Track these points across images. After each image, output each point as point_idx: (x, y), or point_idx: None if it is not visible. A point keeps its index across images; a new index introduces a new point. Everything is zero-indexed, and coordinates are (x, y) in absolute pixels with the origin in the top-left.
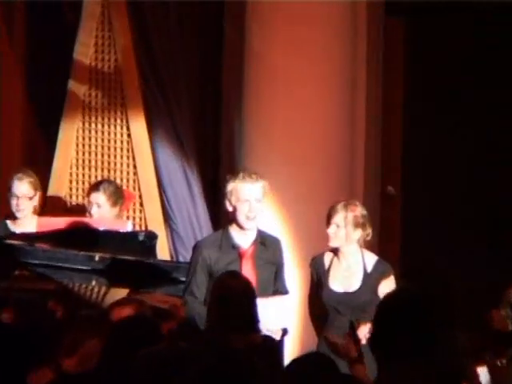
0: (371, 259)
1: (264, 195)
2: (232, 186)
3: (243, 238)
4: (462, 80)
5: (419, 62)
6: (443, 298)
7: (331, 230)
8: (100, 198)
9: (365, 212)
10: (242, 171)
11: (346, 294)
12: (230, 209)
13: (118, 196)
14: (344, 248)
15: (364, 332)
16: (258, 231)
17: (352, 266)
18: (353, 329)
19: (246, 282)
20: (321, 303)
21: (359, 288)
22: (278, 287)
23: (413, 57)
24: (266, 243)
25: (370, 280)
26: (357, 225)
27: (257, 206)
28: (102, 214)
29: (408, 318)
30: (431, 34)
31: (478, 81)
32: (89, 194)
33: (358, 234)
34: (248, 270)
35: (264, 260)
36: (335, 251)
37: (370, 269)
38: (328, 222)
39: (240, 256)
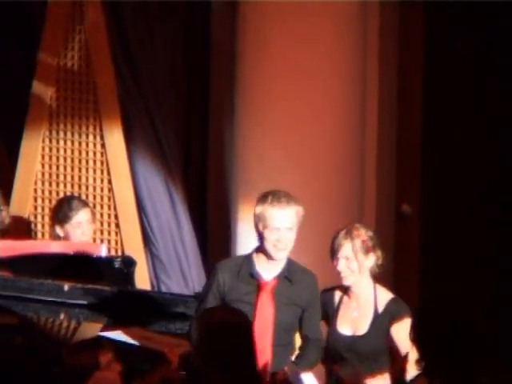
0: (384, 297)
1: (298, 222)
2: (260, 209)
3: (267, 268)
4: (489, 75)
5: (440, 54)
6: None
7: (341, 266)
8: (89, 214)
9: (370, 233)
10: (271, 193)
11: (353, 337)
12: (257, 234)
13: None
14: (357, 285)
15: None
16: (288, 263)
17: (362, 306)
18: None
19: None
20: (327, 348)
21: (368, 332)
22: (306, 332)
23: (432, 47)
24: (293, 279)
25: (381, 322)
26: (367, 250)
27: (288, 235)
28: (87, 234)
29: None
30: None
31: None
32: (70, 217)
33: (371, 260)
34: (265, 306)
35: (287, 298)
36: (346, 288)
37: (381, 309)
38: (334, 258)
39: (259, 288)
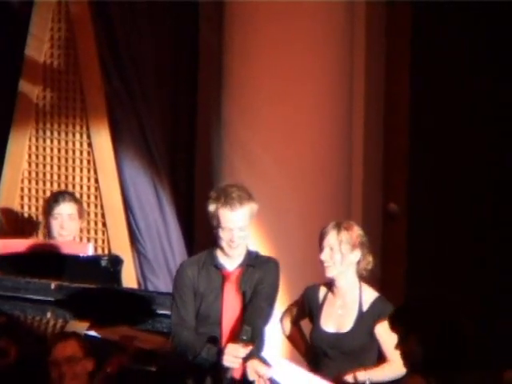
0: (370, 296)
1: (251, 218)
2: (213, 208)
3: (229, 259)
4: (476, 74)
5: (427, 54)
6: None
7: (324, 255)
8: (72, 209)
9: (361, 232)
10: (224, 191)
11: (336, 334)
12: (214, 230)
13: (83, 208)
14: (341, 281)
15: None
16: (248, 253)
17: (347, 304)
18: None
19: None
20: (310, 345)
21: (352, 329)
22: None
23: (420, 48)
24: (255, 265)
25: (365, 320)
26: (354, 245)
27: (240, 234)
28: (73, 229)
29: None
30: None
31: (496, 74)
32: (54, 205)
33: (356, 256)
34: (232, 296)
35: (252, 285)
36: (330, 284)
37: (366, 307)
38: (321, 247)
39: (223, 279)
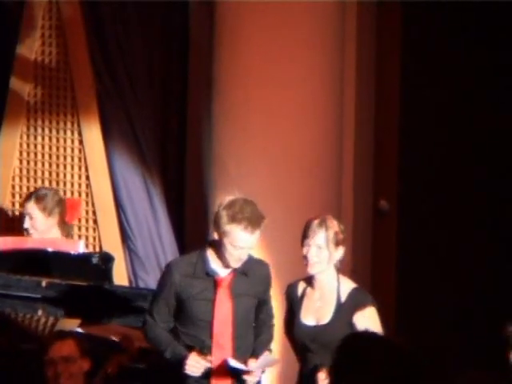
0: (347, 287)
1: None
2: (229, 227)
3: (222, 264)
4: (466, 73)
5: (418, 53)
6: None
7: (312, 253)
8: (30, 208)
9: (342, 226)
10: (241, 210)
11: (316, 327)
12: (216, 235)
13: (55, 205)
14: (322, 275)
15: (322, 377)
16: None
17: (326, 296)
18: None
19: None
20: (294, 341)
21: (331, 321)
22: (260, 315)
23: (410, 47)
24: (248, 272)
25: (344, 311)
26: (338, 242)
27: (249, 251)
28: (36, 227)
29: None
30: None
31: (485, 74)
32: (22, 205)
33: (340, 252)
34: (224, 302)
35: (243, 291)
36: (309, 278)
37: (344, 298)
38: (305, 244)
39: (216, 284)
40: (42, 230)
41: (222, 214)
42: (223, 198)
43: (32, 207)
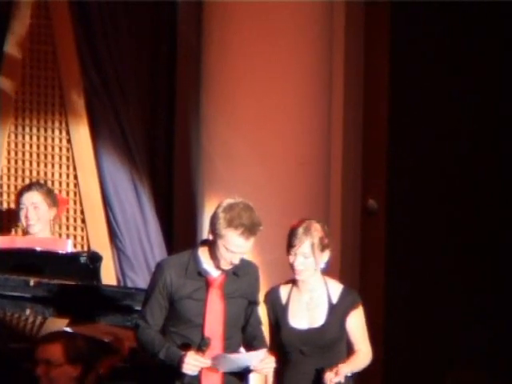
0: (336, 288)
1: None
2: (225, 231)
3: (213, 265)
4: (455, 73)
5: (406, 52)
6: None
7: (299, 262)
8: (35, 197)
9: (326, 228)
10: (238, 215)
11: (310, 330)
12: (211, 235)
13: (54, 197)
14: (310, 278)
15: (331, 377)
16: None
17: (315, 298)
18: None
19: None
20: (280, 345)
21: (325, 322)
22: (251, 318)
23: (399, 47)
24: (239, 273)
25: (337, 312)
26: (324, 247)
27: (242, 256)
28: (40, 217)
29: None
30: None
31: (472, 73)
32: (19, 197)
33: (326, 255)
34: (216, 302)
35: (234, 292)
36: (293, 282)
37: (335, 299)
38: (291, 253)
39: (207, 284)
40: (46, 221)
41: (220, 217)
42: (223, 199)
43: (35, 196)
